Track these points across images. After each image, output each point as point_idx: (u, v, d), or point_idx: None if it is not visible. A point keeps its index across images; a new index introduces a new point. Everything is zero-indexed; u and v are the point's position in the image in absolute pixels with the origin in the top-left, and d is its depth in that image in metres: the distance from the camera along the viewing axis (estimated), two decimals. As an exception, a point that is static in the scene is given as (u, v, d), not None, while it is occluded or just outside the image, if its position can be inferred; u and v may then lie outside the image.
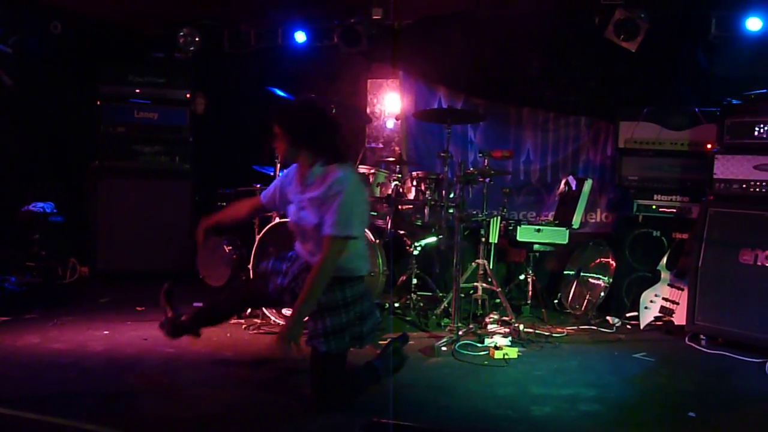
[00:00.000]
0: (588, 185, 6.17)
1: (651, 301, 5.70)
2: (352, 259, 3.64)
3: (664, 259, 5.71)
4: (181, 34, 7.55)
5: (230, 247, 6.64)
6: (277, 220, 5.64)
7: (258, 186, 6.43)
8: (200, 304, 5.95)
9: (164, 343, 4.49)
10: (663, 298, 5.63)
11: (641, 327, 5.72)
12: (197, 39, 7.60)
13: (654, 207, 6.13)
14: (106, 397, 3.69)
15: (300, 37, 7.53)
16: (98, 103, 7.27)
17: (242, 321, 5.50)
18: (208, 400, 3.76)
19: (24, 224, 7.01)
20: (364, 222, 3.68)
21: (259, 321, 5.45)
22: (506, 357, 4.71)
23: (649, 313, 5.70)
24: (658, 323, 5.65)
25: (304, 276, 3.62)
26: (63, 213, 7.23)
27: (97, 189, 7.23)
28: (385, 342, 4.22)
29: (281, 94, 6.13)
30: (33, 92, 7.44)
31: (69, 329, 5.14)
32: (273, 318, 5.42)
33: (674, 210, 6.07)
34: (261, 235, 5.59)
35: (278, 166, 5.93)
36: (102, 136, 7.28)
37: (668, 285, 5.62)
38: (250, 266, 5.62)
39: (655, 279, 5.76)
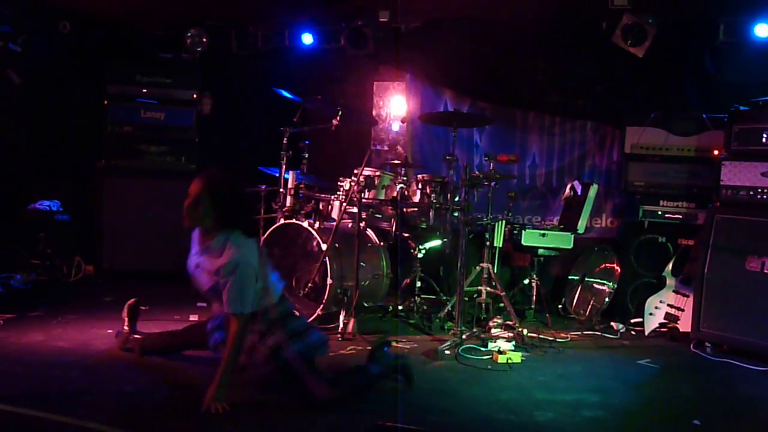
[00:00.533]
0: (593, 190, 6.16)
1: (656, 308, 5.68)
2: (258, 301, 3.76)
3: (670, 266, 5.70)
4: (189, 34, 7.56)
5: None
6: (282, 221, 5.64)
7: (264, 187, 6.43)
8: (203, 304, 6.01)
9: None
10: (668, 305, 5.61)
11: (646, 333, 5.70)
12: (204, 39, 7.60)
13: (660, 213, 6.11)
14: (109, 396, 3.70)
15: (307, 38, 7.53)
16: (105, 102, 7.28)
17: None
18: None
19: (30, 222, 7.02)
20: (257, 295, 3.74)
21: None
22: (510, 361, 4.69)
23: (653, 320, 5.68)
24: (662, 330, 5.62)
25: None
26: (69, 211, 7.23)
27: (103, 188, 7.25)
28: (371, 348, 4.25)
29: (288, 95, 6.13)
30: (41, 91, 7.48)
31: (73, 327, 5.14)
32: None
33: (680, 216, 6.05)
34: (266, 236, 5.59)
35: (284, 167, 5.94)
36: (109, 136, 7.30)
37: (673, 291, 5.60)
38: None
39: (660, 285, 5.74)
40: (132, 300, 4.68)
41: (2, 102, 7.16)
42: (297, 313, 4.14)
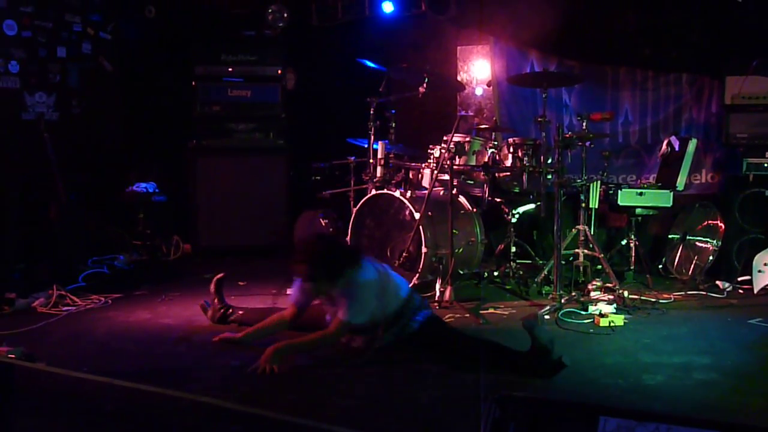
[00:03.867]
0: (692, 145, 5.94)
1: (765, 264, 5.44)
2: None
3: (779, 220, 5.44)
4: (270, 10, 7.61)
5: (327, 221, 6.69)
6: (373, 192, 5.64)
7: (352, 159, 6.45)
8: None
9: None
10: (778, 261, 5.37)
11: (755, 291, 5.47)
12: (285, 14, 7.63)
13: (766, 165, 5.83)
14: (217, 370, 3.78)
15: (387, 6, 7.46)
16: (193, 83, 7.42)
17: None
18: (318, 368, 3.81)
19: (129, 205, 7.26)
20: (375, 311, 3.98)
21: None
22: (612, 324, 4.59)
23: (763, 277, 5.44)
24: (773, 287, 5.39)
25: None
26: (165, 192, 7.43)
27: (196, 168, 7.41)
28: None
29: (372, 65, 6.10)
30: (131, 76, 7.68)
31: (177, 304, 5.30)
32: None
33: (788, 167, 5.76)
34: (358, 207, 5.61)
35: (372, 138, 5.92)
36: (198, 116, 7.45)
37: (784, 246, 5.36)
38: (348, 239, 5.64)
39: (768, 241, 5.50)
40: (220, 274, 4.79)
41: (97, 90, 7.39)
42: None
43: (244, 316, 4.61)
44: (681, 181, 5.87)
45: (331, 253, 4.03)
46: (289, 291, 5.64)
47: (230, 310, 4.67)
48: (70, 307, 5.14)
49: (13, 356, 3.49)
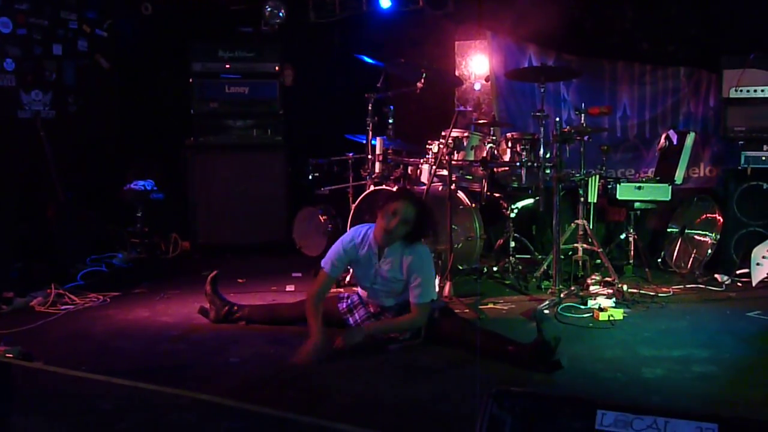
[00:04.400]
0: (691, 138, 5.92)
1: (763, 257, 5.39)
2: None
3: (777, 212, 5.44)
4: (267, 6, 7.60)
5: (325, 217, 6.69)
6: (372, 188, 5.63)
7: (351, 154, 6.44)
8: (298, 274, 6.08)
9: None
10: (777, 254, 5.35)
11: (753, 284, 5.42)
12: (282, 11, 7.63)
13: (764, 158, 5.82)
14: (217, 368, 3.78)
15: (385, 2, 7.45)
16: (190, 80, 7.40)
17: (342, 290, 5.55)
18: (317, 365, 3.80)
19: (127, 203, 7.25)
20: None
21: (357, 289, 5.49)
22: (611, 318, 4.58)
23: (761, 270, 5.40)
24: (772, 280, 5.38)
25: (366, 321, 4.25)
26: (163, 190, 7.42)
27: (194, 165, 7.40)
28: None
29: (370, 60, 6.09)
30: (129, 74, 7.67)
31: (176, 302, 5.29)
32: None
33: (787, 160, 5.75)
34: (357, 204, 5.60)
35: (370, 134, 5.90)
36: (196, 113, 7.43)
37: (782, 239, 5.34)
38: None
39: (767, 233, 5.48)
40: (213, 272, 4.72)
41: (94, 87, 7.38)
42: None
43: (252, 314, 4.59)
44: (679, 175, 5.86)
45: (429, 215, 4.17)
46: (289, 288, 5.69)
47: (235, 308, 4.61)
48: (68, 306, 5.14)
49: (11, 355, 3.49)
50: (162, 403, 3.16)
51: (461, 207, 5.69)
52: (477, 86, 7.42)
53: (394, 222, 3.97)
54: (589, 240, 5.63)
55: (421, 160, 5.73)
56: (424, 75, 5.74)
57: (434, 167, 5.40)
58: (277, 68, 7.51)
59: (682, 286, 5.56)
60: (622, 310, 4.71)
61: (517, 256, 5.89)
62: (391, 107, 6.21)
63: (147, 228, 7.25)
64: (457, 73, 7.45)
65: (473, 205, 5.74)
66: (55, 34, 6.98)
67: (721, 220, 5.92)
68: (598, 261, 5.73)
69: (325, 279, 4.17)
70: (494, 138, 5.76)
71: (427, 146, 5.72)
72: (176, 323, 4.71)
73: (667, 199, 5.82)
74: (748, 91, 5.83)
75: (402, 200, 4.04)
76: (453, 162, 5.37)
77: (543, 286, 5.51)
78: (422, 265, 4.03)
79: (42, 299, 5.17)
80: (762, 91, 5.78)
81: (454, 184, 5.45)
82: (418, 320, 4.04)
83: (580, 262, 5.68)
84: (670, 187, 5.80)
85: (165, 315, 4.93)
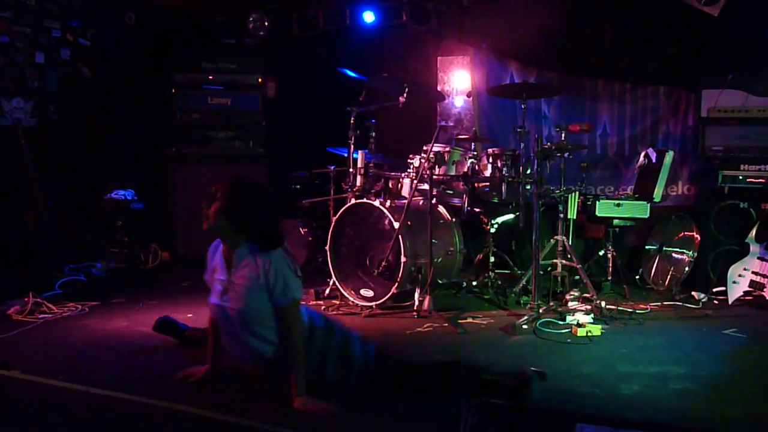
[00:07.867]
0: (669, 157, 6.00)
1: (740, 276, 5.50)
2: None
3: (753, 232, 5.50)
4: (251, 19, 7.61)
5: (305, 229, 6.69)
6: (353, 201, 5.65)
7: (332, 168, 6.45)
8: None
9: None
10: (752, 272, 5.42)
11: (729, 302, 5.53)
12: (266, 23, 7.64)
13: (741, 177, 5.90)
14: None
15: (368, 17, 7.50)
16: (173, 91, 7.39)
17: (321, 303, 5.56)
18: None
19: (107, 212, 7.18)
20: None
21: (338, 302, 5.49)
22: (589, 334, 4.61)
23: (737, 288, 5.50)
24: (747, 298, 5.44)
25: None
26: (143, 200, 7.36)
27: (175, 176, 7.38)
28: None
29: (353, 74, 6.12)
30: (111, 83, 7.62)
31: (155, 312, 5.22)
32: (351, 299, 5.44)
33: (763, 180, 5.82)
34: (338, 216, 5.61)
35: (352, 147, 5.92)
36: (178, 124, 7.42)
37: (758, 258, 5.41)
38: (327, 248, 5.63)
39: (743, 252, 5.55)
40: (159, 320, 4.47)
41: (75, 96, 7.33)
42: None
43: (193, 335, 4.39)
44: (658, 193, 5.92)
45: (255, 202, 3.55)
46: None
47: (188, 333, 4.42)
48: (46, 315, 5.09)
49: (-13, 364, 3.46)
50: (140, 413, 3.14)
51: (441, 221, 5.72)
52: (459, 101, 7.49)
53: (206, 212, 3.55)
54: (568, 256, 5.67)
55: (403, 174, 5.75)
56: (406, 89, 5.77)
57: (415, 181, 5.42)
58: (260, 80, 7.52)
59: (659, 303, 5.61)
60: (600, 326, 4.74)
61: (496, 270, 5.92)
62: (373, 121, 6.22)
63: (127, 238, 7.19)
64: (439, 89, 7.49)
65: (454, 219, 5.77)
66: (38, 43, 6.94)
67: (699, 238, 5.99)
68: (577, 277, 5.77)
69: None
70: (475, 153, 5.80)
71: (409, 160, 5.74)
72: (154, 333, 4.64)
73: (646, 216, 5.89)
74: (726, 111, 5.92)
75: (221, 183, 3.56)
76: (434, 176, 5.40)
77: (522, 301, 5.54)
78: (270, 262, 3.45)
79: (19, 308, 5.11)
80: (739, 111, 5.87)
81: (435, 199, 5.48)
82: (296, 325, 3.45)
83: (559, 278, 5.72)
84: (649, 204, 5.87)
85: (143, 325, 4.88)
